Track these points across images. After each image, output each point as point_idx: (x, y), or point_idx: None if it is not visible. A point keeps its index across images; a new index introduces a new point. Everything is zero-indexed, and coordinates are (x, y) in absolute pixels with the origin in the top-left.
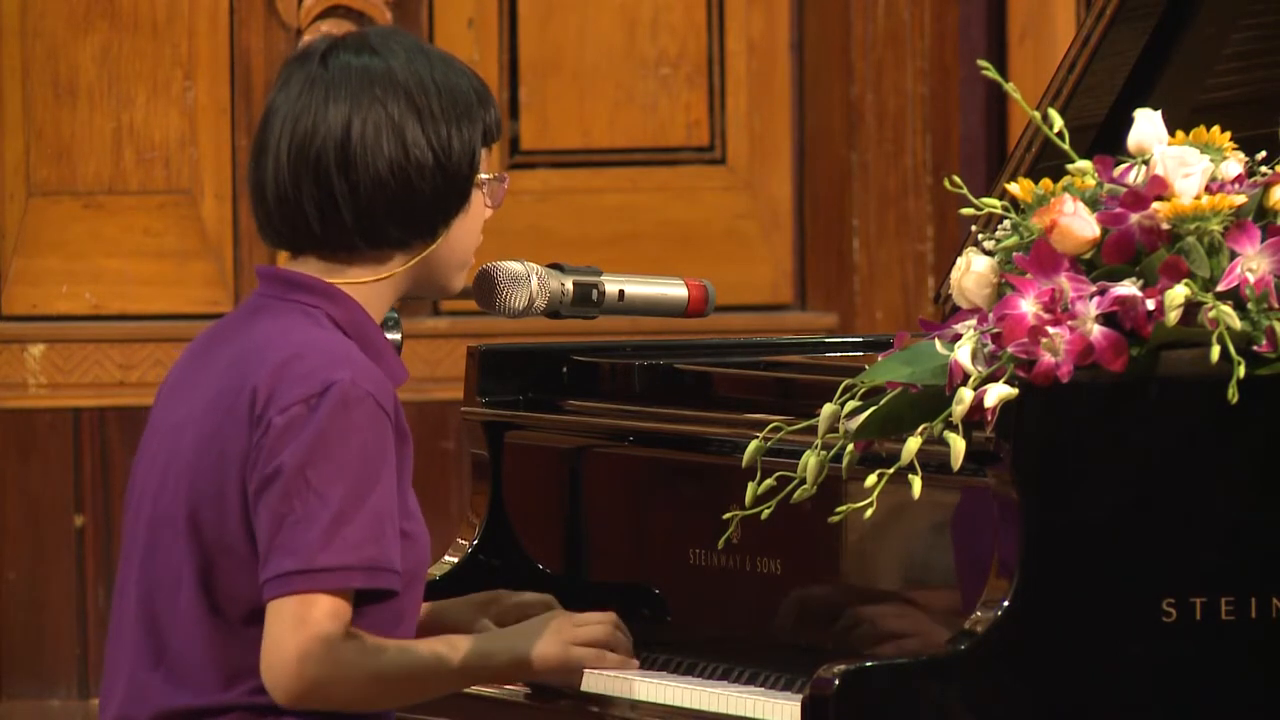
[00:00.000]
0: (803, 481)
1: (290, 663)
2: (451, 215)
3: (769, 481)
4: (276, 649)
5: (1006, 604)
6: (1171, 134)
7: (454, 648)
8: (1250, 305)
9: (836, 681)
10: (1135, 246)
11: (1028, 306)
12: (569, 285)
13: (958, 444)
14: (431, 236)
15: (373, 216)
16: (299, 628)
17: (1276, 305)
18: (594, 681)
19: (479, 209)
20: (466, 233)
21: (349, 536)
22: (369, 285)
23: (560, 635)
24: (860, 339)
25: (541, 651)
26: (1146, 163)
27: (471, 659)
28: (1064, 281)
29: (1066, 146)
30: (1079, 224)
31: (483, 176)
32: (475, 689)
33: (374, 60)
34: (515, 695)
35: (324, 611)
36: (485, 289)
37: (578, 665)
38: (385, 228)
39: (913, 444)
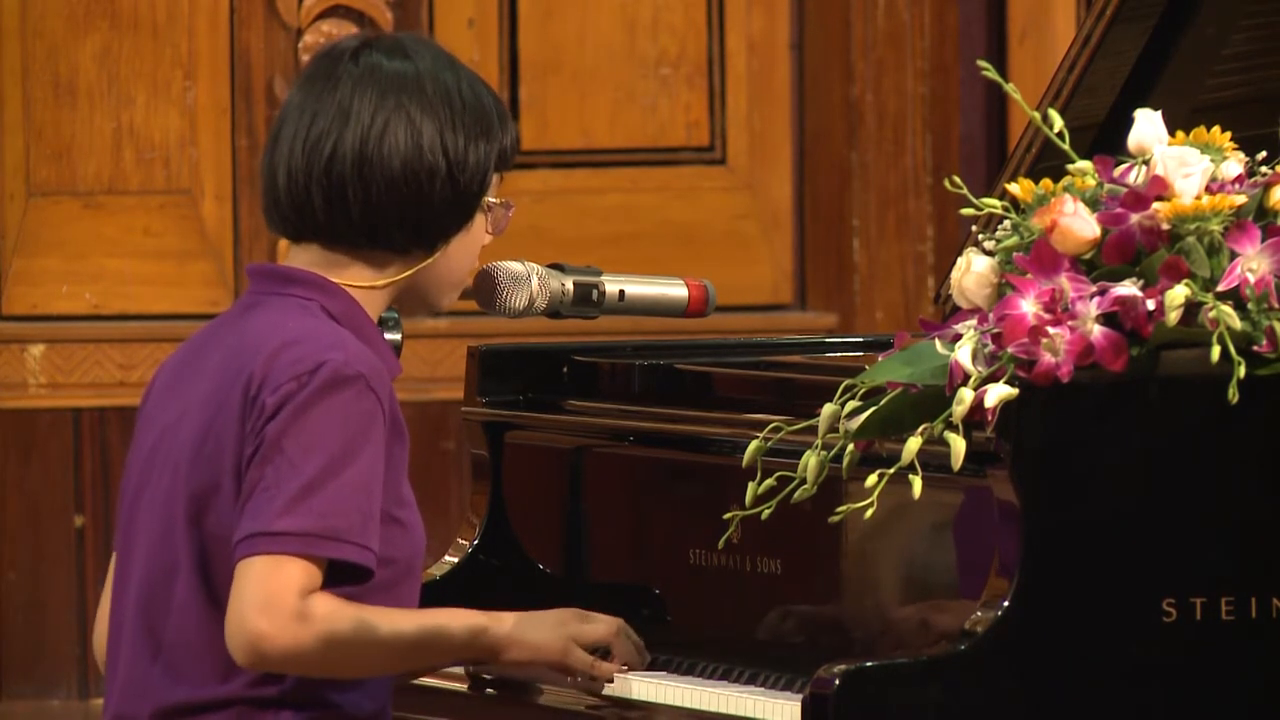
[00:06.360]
0: (803, 481)
1: (245, 624)
2: (453, 230)
3: (769, 481)
4: (233, 610)
5: (1006, 604)
6: (1171, 134)
7: (448, 617)
8: (1250, 305)
9: (836, 681)
10: (1135, 247)
11: (1028, 306)
12: (569, 285)
13: (958, 444)
14: (430, 249)
15: (379, 215)
16: (256, 589)
17: (1276, 305)
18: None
19: (479, 231)
20: (463, 253)
21: (314, 505)
22: (362, 289)
23: (565, 628)
24: (860, 339)
25: (543, 638)
26: (1146, 163)
27: (463, 630)
28: (1064, 281)
29: (1066, 146)
30: (1079, 224)
31: (491, 200)
32: (474, 688)
33: (405, 64)
34: (513, 695)
35: (285, 575)
36: (485, 289)
37: (573, 664)
38: (389, 229)
39: (913, 444)
